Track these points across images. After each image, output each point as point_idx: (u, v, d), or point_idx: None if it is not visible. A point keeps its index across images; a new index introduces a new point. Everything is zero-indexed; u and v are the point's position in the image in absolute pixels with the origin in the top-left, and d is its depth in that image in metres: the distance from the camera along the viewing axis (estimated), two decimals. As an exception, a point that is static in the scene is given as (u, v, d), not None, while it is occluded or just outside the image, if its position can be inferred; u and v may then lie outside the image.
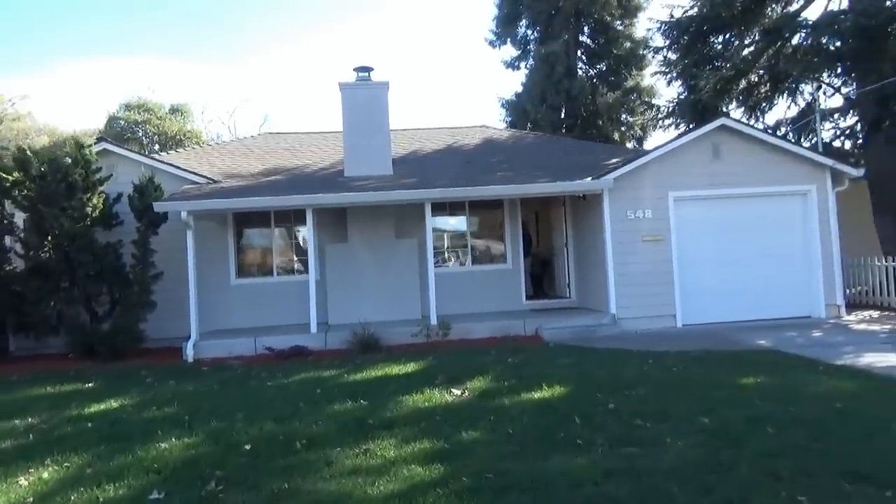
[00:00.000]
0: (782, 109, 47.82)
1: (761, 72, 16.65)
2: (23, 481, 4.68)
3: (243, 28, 61.58)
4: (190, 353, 10.22)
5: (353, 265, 12.12)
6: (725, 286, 11.28)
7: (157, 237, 11.07)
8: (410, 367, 8.17)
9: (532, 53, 25.05)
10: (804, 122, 15.93)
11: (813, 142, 15.28)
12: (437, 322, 10.66)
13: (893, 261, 12.29)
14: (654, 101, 22.47)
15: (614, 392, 6.36)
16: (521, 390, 6.62)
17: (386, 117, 12.73)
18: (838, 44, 14.33)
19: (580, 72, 25.07)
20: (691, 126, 14.09)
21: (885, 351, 8.23)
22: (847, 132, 15.93)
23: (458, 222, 13.08)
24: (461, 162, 14.05)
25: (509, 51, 26.04)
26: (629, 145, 24.05)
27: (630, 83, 24.58)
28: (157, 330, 10.97)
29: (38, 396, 7.70)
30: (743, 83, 16.89)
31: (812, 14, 16.79)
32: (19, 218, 11.14)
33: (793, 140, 14.80)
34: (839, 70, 15.30)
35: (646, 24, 28.92)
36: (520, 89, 25.30)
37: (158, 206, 10.63)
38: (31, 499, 4.35)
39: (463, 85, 61.90)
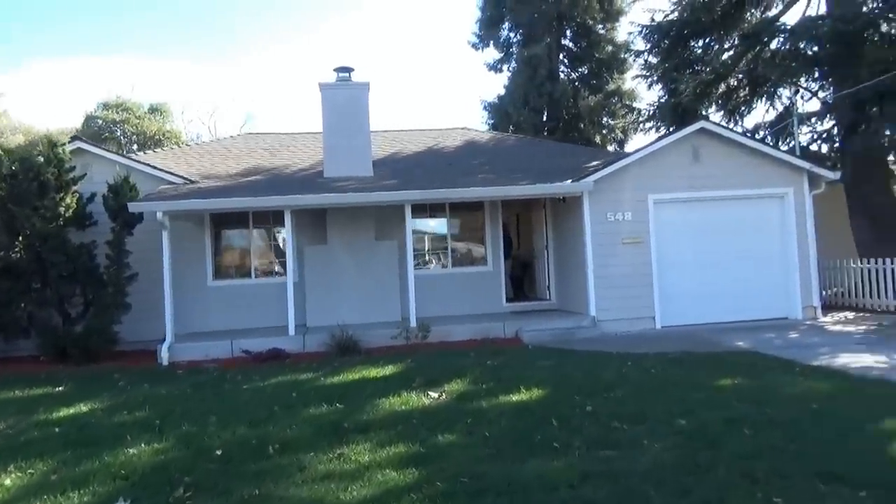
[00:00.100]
0: (761, 113, 48.14)
1: (740, 76, 16.86)
2: (-16, 488, 4.54)
3: (229, 28, 61.31)
4: (165, 355, 10.04)
5: (332, 267, 12.01)
6: (704, 288, 11.34)
7: (132, 238, 10.86)
8: (388, 370, 8.09)
9: (515, 56, 25.12)
10: (782, 126, 16.10)
11: (790, 145, 15.44)
12: (416, 324, 10.59)
13: (868, 263, 12.46)
14: (634, 105, 22.61)
15: (593, 394, 6.35)
16: (500, 393, 6.58)
17: (366, 118, 12.64)
18: (816, 49, 14.55)
19: (562, 75, 25.24)
20: (671, 129, 14.18)
21: (859, 352, 8.32)
22: (824, 136, 16.13)
23: (438, 224, 13.02)
24: (442, 164, 14.02)
25: (492, 53, 26.21)
26: (610, 148, 24.22)
27: (611, 86, 24.81)
28: (131, 332, 10.78)
29: (5, 400, 7.50)
30: (722, 87, 17.10)
31: (790, 19, 17.02)
32: (-11, 218, 10.87)
33: (771, 143, 14.95)
34: (817, 74, 15.52)
35: (627, 28, 29.39)
36: (502, 92, 25.40)
37: (133, 207, 10.44)
38: (-8, 507, 4.23)
39: (445, 87, 62.15)
